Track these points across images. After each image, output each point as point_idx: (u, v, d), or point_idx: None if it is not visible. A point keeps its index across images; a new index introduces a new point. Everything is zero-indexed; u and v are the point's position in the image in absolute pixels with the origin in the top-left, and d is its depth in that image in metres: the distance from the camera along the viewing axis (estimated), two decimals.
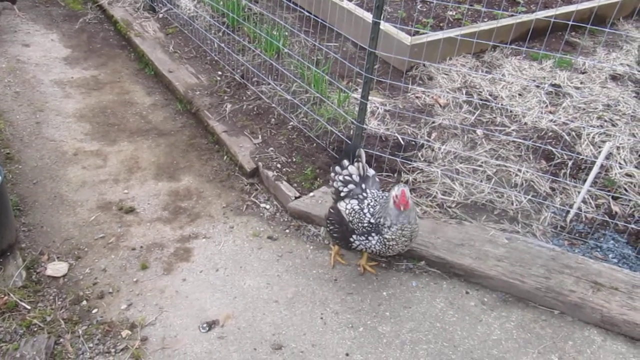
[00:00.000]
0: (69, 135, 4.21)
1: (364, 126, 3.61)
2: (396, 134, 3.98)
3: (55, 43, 5.45)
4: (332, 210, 3.03)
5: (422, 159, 3.84)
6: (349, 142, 3.72)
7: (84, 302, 2.92)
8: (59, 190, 3.70)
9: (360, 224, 2.85)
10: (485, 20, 5.31)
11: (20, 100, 4.55)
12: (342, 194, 2.95)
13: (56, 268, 3.08)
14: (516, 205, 3.50)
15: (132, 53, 5.38)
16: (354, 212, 2.87)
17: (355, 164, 2.97)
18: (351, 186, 2.94)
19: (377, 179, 3.05)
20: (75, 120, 4.39)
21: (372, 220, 2.80)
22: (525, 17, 5.29)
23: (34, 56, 5.17)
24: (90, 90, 4.79)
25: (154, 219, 3.54)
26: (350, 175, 2.96)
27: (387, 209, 2.76)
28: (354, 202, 2.90)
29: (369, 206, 2.85)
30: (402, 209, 2.70)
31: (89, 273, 3.11)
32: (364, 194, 2.91)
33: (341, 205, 2.94)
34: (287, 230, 3.49)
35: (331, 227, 3.01)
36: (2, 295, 2.80)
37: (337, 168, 3.01)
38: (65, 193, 3.67)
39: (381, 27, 4.73)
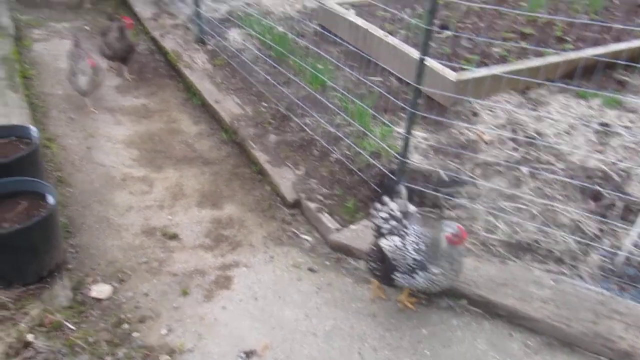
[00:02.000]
0: (118, 161, 4.34)
1: (407, 160, 3.61)
2: (439, 169, 3.96)
3: (108, 72, 5.65)
4: (373, 248, 3.00)
5: (465, 196, 3.80)
6: (392, 175, 3.72)
7: (126, 325, 2.97)
8: (106, 214, 3.80)
9: (403, 262, 2.82)
10: (531, 57, 5.28)
11: (73, 125, 4.73)
12: (384, 231, 2.93)
13: (100, 290, 3.15)
14: (563, 245, 3.41)
15: (180, 83, 5.54)
16: (396, 249, 2.84)
17: (397, 200, 2.95)
18: (393, 223, 2.91)
19: (418, 215, 3.03)
20: (124, 146, 4.53)
21: (417, 258, 2.77)
22: (573, 55, 5.24)
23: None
24: (139, 118, 4.95)
25: (196, 245, 3.59)
26: (391, 211, 2.93)
27: (437, 245, 2.72)
28: (396, 239, 2.87)
29: (412, 243, 2.82)
30: (459, 245, 2.68)
31: (132, 296, 3.16)
32: (406, 231, 2.88)
33: (383, 243, 2.91)
34: (327, 262, 3.49)
35: (373, 265, 2.98)
36: (48, 315, 2.87)
37: (378, 204, 2.98)
38: (112, 217, 3.77)
39: (426, 63, 4.77)
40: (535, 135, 4.45)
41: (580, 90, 5.06)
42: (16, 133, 3.73)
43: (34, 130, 3.66)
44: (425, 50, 3.17)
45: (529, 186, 3.90)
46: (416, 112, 3.38)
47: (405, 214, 2.94)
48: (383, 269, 2.92)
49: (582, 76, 5.25)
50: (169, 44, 6.00)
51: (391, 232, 2.90)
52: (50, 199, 3.12)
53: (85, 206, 3.85)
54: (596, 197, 3.82)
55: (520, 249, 3.42)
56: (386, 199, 2.96)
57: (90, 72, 4.76)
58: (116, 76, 5.59)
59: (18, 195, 3.22)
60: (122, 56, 5.40)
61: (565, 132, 4.51)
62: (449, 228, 2.69)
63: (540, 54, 5.31)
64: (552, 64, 5.08)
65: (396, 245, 2.85)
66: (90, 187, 4.04)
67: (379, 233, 2.96)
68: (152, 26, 6.38)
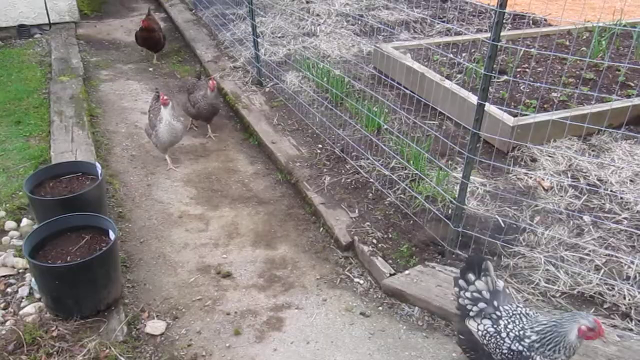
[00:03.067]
0: (175, 199, 4.44)
1: (464, 206, 3.54)
2: (497, 216, 3.86)
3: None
4: (461, 337, 2.74)
5: (523, 244, 3.69)
6: (447, 221, 3.65)
7: None
8: (163, 250, 3.87)
9: (498, 350, 2.54)
10: (593, 102, 5.15)
11: (135, 162, 4.89)
12: (472, 314, 2.67)
13: (155, 326, 3.18)
14: (629, 299, 3.24)
15: (238, 123, 5.67)
16: (488, 335, 2.57)
17: (483, 278, 2.67)
18: (482, 304, 2.63)
19: (507, 291, 2.81)
20: (182, 184, 4.64)
21: (515, 348, 2.49)
22: (637, 101, 5.08)
23: None
24: (197, 156, 5.07)
25: (249, 285, 3.60)
26: (479, 291, 2.66)
27: (558, 336, 2.42)
28: (487, 322, 2.59)
29: (507, 328, 2.53)
30: (592, 340, 2.40)
31: (185, 334, 3.18)
32: (498, 313, 2.60)
33: (472, 325, 2.65)
34: (380, 308, 3.42)
35: (468, 355, 2.76)
36: (105, 349, 2.91)
37: (462, 282, 2.72)
38: (168, 253, 3.84)
39: (485, 108, 4.73)
40: (598, 182, 4.30)
41: None
42: (83, 169, 3.89)
43: (98, 167, 3.81)
44: (484, 96, 3.14)
45: (592, 236, 3.75)
46: (474, 157, 3.33)
47: (494, 293, 2.66)
48: (478, 357, 2.65)
49: None
50: (228, 85, 6.18)
51: (480, 315, 2.63)
52: (111, 235, 3.21)
53: (143, 242, 3.94)
54: None
55: (583, 301, 3.26)
56: (471, 276, 2.69)
57: (180, 128, 4.73)
58: (196, 135, 5.72)
59: (82, 230, 3.33)
60: (206, 116, 5.31)
61: (629, 180, 4.35)
62: (585, 320, 2.37)
63: (602, 100, 5.18)
64: (615, 110, 4.93)
65: (487, 331, 2.58)
66: (149, 223, 4.14)
67: (465, 314, 2.69)
68: (212, 68, 6.60)
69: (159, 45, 7.08)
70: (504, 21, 7.75)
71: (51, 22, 7.63)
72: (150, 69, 6.83)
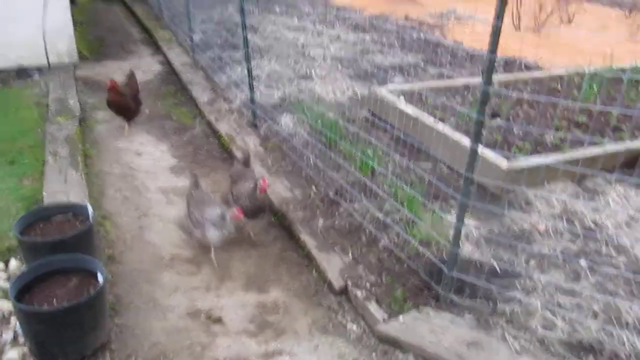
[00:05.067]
0: (168, 241, 4.39)
1: (458, 251, 3.50)
2: (492, 260, 3.82)
3: (164, 153, 5.87)
4: None
5: (519, 289, 3.63)
6: (442, 265, 3.61)
7: None
8: (153, 294, 3.80)
9: None
10: (585, 145, 5.18)
11: (128, 204, 4.86)
12: None
13: None
14: (629, 347, 3.17)
15: (232, 165, 5.66)
16: None
17: None
18: None
19: None
20: (175, 226, 4.59)
21: None
22: (630, 144, 5.12)
23: (144, 164, 5.58)
24: None
25: (240, 330, 3.52)
26: None
27: None
28: None
29: None
30: None
31: None
32: None
33: None
34: (374, 355, 3.34)
35: None
36: None
37: None
38: (158, 297, 3.77)
39: (478, 152, 4.74)
40: (593, 226, 4.28)
41: None
42: (74, 210, 3.85)
43: (90, 208, 3.77)
44: (477, 139, 3.15)
45: (589, 280, 3.72)
46: (467, 201, 3.32)
47: None
48: None
49: None
50: (223, 127, 6.21)
51: None
52: (100, 278, 3.16)
53: (133, 285, 3.87)
54: None
55: (582, 349, 3.19)
56: None
57: (230, 227, 4.05)
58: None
59: (70, 272, 3.27)
60: (248, 216, 4.29)
61: (625, 223, 4.33)
62: None
63: (595, 144, 5.22)
64: (609, 154, 4.96)
65: None
66: (140, 266, 4.08)
67: None
68: (207, 110, 6.64)
69: (128, 113, 6.25)
70: (497, 65, 7.89)
71: (50, 64, 7.71)
72: (147, 111, 6.86)
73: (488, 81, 3.00)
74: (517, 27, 10.07)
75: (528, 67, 7.93)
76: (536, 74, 7.30)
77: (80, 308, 2.96)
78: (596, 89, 6.47)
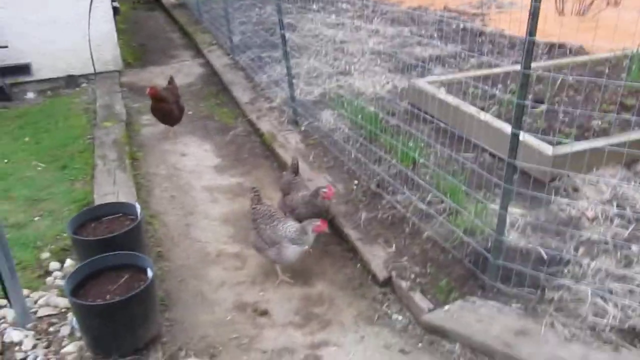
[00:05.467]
0: (213, 238, 4.49)
1: (503, 238, 3.45)
2: (539, 248, 3.75)
3: (208, 153, 5.99)
4: None
5: (568, 276, 3.55)
6: (487, 254, 3.56)
7: None
8: (201, 288, 3.89)
9: None
10: (635, 128, 5.00)
11: (174, 203, 4.99)
12: None
13: None
14: None
15: (274, 162, 5.73)
16: None
17: None
18: None
19: None
20: (220, 223, 4.69)
21: None
22: None
23: (189, 164, 5.72)
24: (235, 196, 5.13)
25: (286, 323, 3.57)
26: None
27: None
28: None
29: None
30: None
31: None
32: None
33: None
34: (420, 344, 3.33)
35: None
36: None
37: None
38: (206, 292, 3.86)
39: (521, 138, 4.65)
40: None
41: None
42: (123, 210, 3.98)
43: (138, 207, 3.89)
44: (518, 125, 3.10)
45: None
46: (511, 188, 3.27)
47: None
48: None
49: None
50: (264, 125, 6.28)
51: None
52: (149, 273, 3.26)
53: (181, 281, 3.97)
54: None
55: (635, 335, 3.10)
56: None
57: (311, 240, 3.78)
58: (234, 174, 5.85)
59: (121, 269, 3.39)
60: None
61: None
62: None
63: None
64: None
65: None
66: (187, 263, 4.18)
67: None
68: (249, 109, 6.74)
69: (171, 119, 6.28)
70: (540, 52, 7.70)
71: (96, 71, 7.97)
72: (190, 112, 7.01)
73: (527, 65, 2.95)
74: (561, 12, 9.79)
75: (572, 52, 7.71)
76: (580, 58, 7.09)
77: (131, 302, 3.06)
78: None
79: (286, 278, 3.95)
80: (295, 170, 4.59)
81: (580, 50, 7.77)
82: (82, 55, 7.83)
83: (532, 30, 2.88)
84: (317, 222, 3.74)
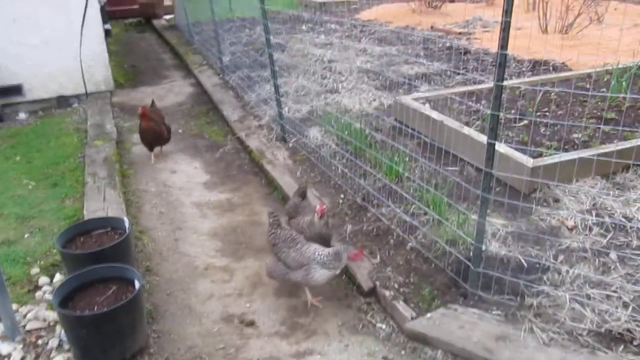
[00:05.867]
0: (202, 252, 4.55)
1: (483, 246, 3.54)
2: (519, 256, 3.83)
3: (197, 170, 6.08)
4: None
5: (547, 283, 3.63)
6: (468, 262, 3.64)
7: None
8: (189, 301, 3.95)
9: None
10: (615, 141, 5.13)
11: (163, 219, 5.05)
12: None
13: None
14: None
15: (263, 179, 5.82)
16: None
17: None
18: None
19: None
20: (208, 238, 4.76)
21: None
22: None
23: (178, 181, 5.80)
24: (224, 211, 5.21)
25: (272, 333, 3.62)
26: None
27: None
28: None
29: None
30: None
31: None
32: None
33: None
34: (403, 352, 3.40)
35: None
36: None
37: None
38: (194, 304, 3.92)
39: (502, 150, 4.77)
40: (624, 219, 4.24)
41: None
42: (112, 224, 4.05)
43: (126, 221, 3.97)
44: (493, 135, 3.20)
45: (619, 272, 3.68)
46: (489, 196, 3.36)
47: None
48: None
49: None
50: (253, 143, 6.39)
51: None
52: (137, 284, 3.32)
53: (169, 294, 4.03)
54: None
55: (611, 339, 3.18)
56: None
57: (342, 265, 3.68)
58: (223, 190, 5.94)
59: (109, 281, 3.45)
60: None
61: None
62: None
63: (624, 138, 5.16)
64: (638, 147, 4.90)
65: None
66: (175, 276, 4.24)
67: None
68: (238, 127, 6.85)
69: (161, 139, 6.36)
70: (524, 69, 7.87)
71: (88, 92, 8.09)
72: (180, 131, 7.12)
73: (500, 77, 3.07)
74: (545, 30, 10.01)
75: (556, 69, 7.89)
76: (563, 74, 7.26)
77: (118, 312, 3.12)
78: (625, 85, 6.39)
79: (315, 301, 3.85)
80: (303, 195, 4.54)
81: (564, 67, 7.95)
82: (74, 76, 7.94)
83: (503, 44, 3.00)
84: (353, 250, 3.67)
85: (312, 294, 3.85)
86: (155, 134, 6.26)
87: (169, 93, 8.58)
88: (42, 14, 7.53)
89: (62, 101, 7.88)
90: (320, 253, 3.60)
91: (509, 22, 2.97)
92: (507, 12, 2.95)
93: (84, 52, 7.86)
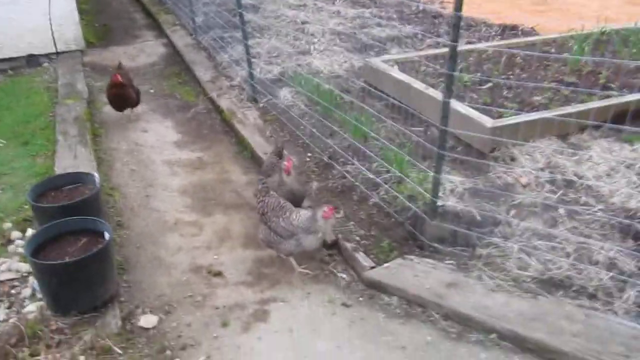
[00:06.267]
0: (171, 207, 4.69)
1: (437, 201, 3.73)
2: (473, 210, 4.04)
3: (169, 129, 6.16)
4: None
5: (499, 235, 3.86)
6: (425, 217, 3.84)
7: (168, 352, 3.19)
8: (158, 254, 4.10)
9: None
10: (573, 104, 5.33)
11: (134, 176, 5.16)
12: None
13: (147, 320, 3.40)
14: (596, 282, 3.40)
15: (233, 138, 5.93)
16: None
17: None
18: None
19: None
20: (178, 194, 4.89)
21: None
22: (615, 100, 5.26)
23: (150, 140, 5.88)
24: (194, 169, 5.33)
25: (238, 282, 3.81)
26: None
27: None
28: None
29: None
30: None
31: (175, 327, 3.39)
32: None
33: None
34: (361, 299, 3.61)
35: None
36: (100, 340, 3.13)
37: None
38: (163, 256, 4.07)
39: (464, 111, 4.94)
40: (575, 178, 4.47)
41: (625, 135, 5.05)
42: (82, 180, 4.16)
43: (96, 177, 4.08)
44: (448, 93, 3.36)
45: (566, 226, 3.92)
46: (444, 153, 3.54)
47: None
48: None
49: (631, 121, 5.22)
50: (224, 103, 6.46)
51: None
52: (106, 236, 3.45)
53: (139, 247, 4.17)
54: (636, 236, 3.78)
55: (552, 285, 3.42)
56: None
57: (324, 227, 3.67)
58: (194, 149, 6.02)
59: (79, 233, 3.57)
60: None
61: (606, 174, 4.51)
62: None
63: (582, 101, 5.36)
64: (594, 109, 5.10)
65: None
66: (146, 230, 4.38)
67: None
68: (210, 88, 6.90)
69: (131, 103, 6.25)
70: (493, 33, 7.99)
71: (58, 51, 8.01)
72: (152, 91, 7.15)
73: (454, 39, 3.21)
74: None
75: (525, 33, 8.03)
76: (530, 39, 7.41)
77: (88, 261, 3.26)
78: (587, 50, 6.58)
79: (303, 270, 3.87)
80: (280, 154, 4.58)
81: (532, 32, 8.10)
82: (44, 35, 7.85)
83: (457, 6, 3.13)
84: (325, 209, 3.62)
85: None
86: (124, 99, 6.17)
87: (141, 53, 8.54)
88: None
89: (32, 60, 7.80)
90: (301, 219, 3.62)
91: None
92: None
93: (54, 10, 7.75)
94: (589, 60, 6.23)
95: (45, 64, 7.86)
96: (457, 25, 3.19)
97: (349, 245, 3.95)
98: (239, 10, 6.05)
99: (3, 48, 7.70)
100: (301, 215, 3.68)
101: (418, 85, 5.70)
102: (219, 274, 3.88)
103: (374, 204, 4.38)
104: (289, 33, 8.30)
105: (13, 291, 3.60)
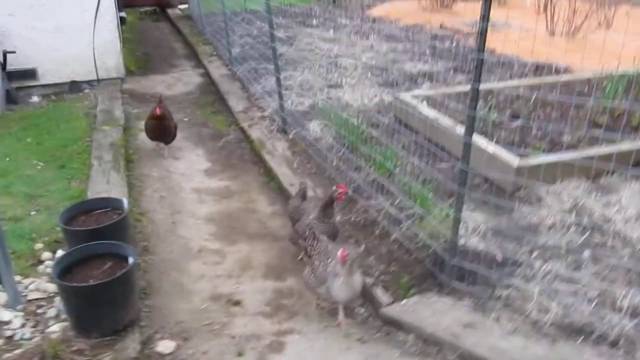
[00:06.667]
0: (197, 235, 4.79)
1: (457, 240, 3.73)
2: (494, 250, 4.02)
3: (199, 157, 6.31)
4: None
5: (519, 277, 3.81)
6: (444, 255, 3.83)
7: None
8: (181, 280, 4.18)
9: None
10: (603, 144, 5.27)
11: (163, 203, 5.29)
12: None
13: (166, 345, 3.47)
14: (619, 329, 3.32)
15: (262, 168, 6.03)
16: None
17: None
18: None
19: None
20: (204, 222, 4.99)
21: None
22: None
23: (181, 167, 6.04)
24: (221, 198, 5.44)
25: (256, 312, 3.85)
26: None
27: None
28: None
29: None
30: None
31: (192, 354, 3.45)
32: None
33: None
34: (377, 335, 3.60)
35: None
36: None
37: None
38: (185, 283, 4.15)
39: (490, 149, 4.93)
40: (602, 220, 4.40)
41: None
42: (112, 205, 4.29)
43: (125, 202, 4.20)
44: (469, 134, 3.39)
45: (589, 270, 3.85)
46: (464, 192, 3.55)
47: None
48: None
49: None
50: (254, 133, 6.60)
51: None
52: (130, 260, 3.55)
53: (163, 272, 4.27)
54: None
55: (572, 330, 3.36)
56: None
57: (346, 271, 3.46)
58: (222, 178, 6.16)
59: (105, 257, 3.69)
60: None
61: (635, 218, 4.43)
62: None
63: (612, 142, 5.30)
64: (625, 152, 5.04)
65: None
66: (170, 256, 4.48)
67: None
68: (241, 118, 7.06)
69: (169, 136, 6.30)
70: (527, 71, 7.98)
71: (99, 78, 8.33)
72: (186, 119, 7.35)
73: (477, 79, 3.25)
74: (552, 33, 10.10)
75: (558, 72, 8.00)
76: (564, 77, 7.37)
77: (112, 285, 3.35)
78: (621, 90, 6.51)
79: (344, 323, 3.71)
80: (304, 196, 4.47)
81: (567, 71, 8.06)
82: (86, 63, 8.19)
83: (480, 47, 3.18)
84: (339, 252, 3.48)
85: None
86: (165, 132, 6.22)
87: (178, 82, 8.82)
88: (58, 1, 7.79)
89: (74, 86, 8.14)
90: (331, 264, 3.52)
91: (486, 26, 3.15)
92: (485, 17, 3.13)
93: (97, 39, 8.10)
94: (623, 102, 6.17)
95: (87, 90, 8.18)
96: (478, 66, 3.23)
97: (368, 280, 3.95)
98: (272, 45, 6.22)
99: (47, 74, 8.06)
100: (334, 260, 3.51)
101: (446, 121, 5.73)
102: (238, 303, 3.94)
103: (395, 239, 4.39)
104: (321, 66, 8.46)
105: (39, 310, 3.71)
